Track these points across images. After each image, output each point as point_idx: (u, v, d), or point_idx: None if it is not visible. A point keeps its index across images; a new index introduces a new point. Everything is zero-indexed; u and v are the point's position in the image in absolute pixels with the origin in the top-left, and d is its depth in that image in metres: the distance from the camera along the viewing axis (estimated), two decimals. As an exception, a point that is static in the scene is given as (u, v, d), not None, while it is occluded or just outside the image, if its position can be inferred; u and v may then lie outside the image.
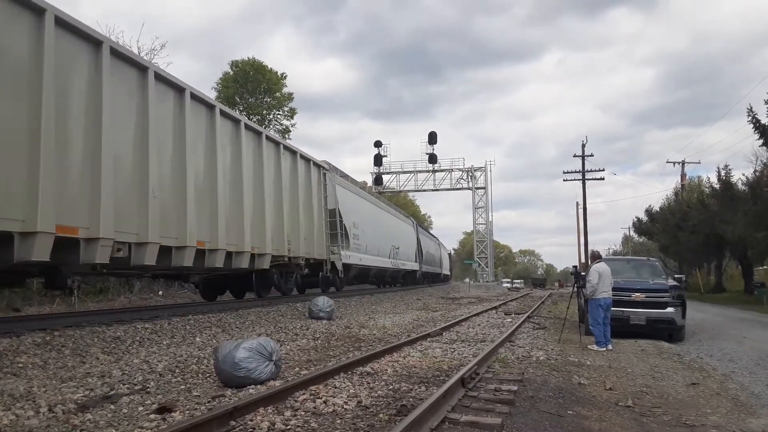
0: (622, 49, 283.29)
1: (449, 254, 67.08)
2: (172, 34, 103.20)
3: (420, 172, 51.17)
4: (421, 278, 39.03)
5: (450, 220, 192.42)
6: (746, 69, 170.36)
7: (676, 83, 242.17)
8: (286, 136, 36.30)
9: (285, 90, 37.73)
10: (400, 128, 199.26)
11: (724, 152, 77.29)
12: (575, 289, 11.99)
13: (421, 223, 53.85)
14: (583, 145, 37.47)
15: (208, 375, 6.19)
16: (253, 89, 36.09)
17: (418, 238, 37.60)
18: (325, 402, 5.01)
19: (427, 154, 50.74)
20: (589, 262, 10.62)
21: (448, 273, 59.73)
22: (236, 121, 12.55)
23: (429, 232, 50.39)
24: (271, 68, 36.93)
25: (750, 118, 22.03)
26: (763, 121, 21.77)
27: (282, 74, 37.37)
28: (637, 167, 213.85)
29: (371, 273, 25.80)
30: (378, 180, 51.28)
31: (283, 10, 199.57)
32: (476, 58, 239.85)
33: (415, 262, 36.32)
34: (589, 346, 9.42)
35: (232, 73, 36.34)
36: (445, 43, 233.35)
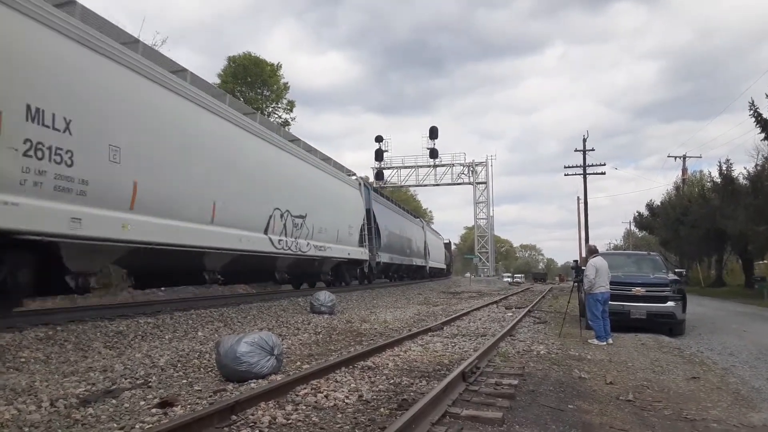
0: (625, 42, 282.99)
1: (446, 244, 55.94)
2: (174, 28, 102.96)
3: (421, 167, 51.13)
4: (375, 272, 25.96)
5: (451, 214, 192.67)
6: (750, 62, 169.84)
7: (679, 77, 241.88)
8: (286, 129, 36.27)
9: (282, 81, 37.67)
10: (401, 122, 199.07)
11: (726, 146, 77.34)
12: (575, 283, 11.99)
13: (422, 217, 53.64)
14: (584, 140, 37.36)
15: (209, 369, 6.20)
16: (252, 83, 36.04)
17: (371, 212, 24.10)
18: (326, 396, 5.03)
19: (428, 149, 50.67)
20: (587, 257, 10.62)
21: (443, 266, 48.87)
22: None
23: (401, 207, 35.03)
24: (268, 61, 36.90)
25: (752, 112, 21.99)
26: (765, 115, 21.72)
27: (277, 64, 37.29)
28: (639, 161, 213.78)
29: (163, 264, 10.72)
30: (379, 175, 51.24)
31: (285, 3, 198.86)
32: (478, 51, 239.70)
33: (360, 246, 22.54)
34: (589, 341, 9.43)
35: (231, 67, 36.29)
36: (447, 36, 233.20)
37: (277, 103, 37.57)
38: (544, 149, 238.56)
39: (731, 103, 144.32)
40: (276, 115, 37.28)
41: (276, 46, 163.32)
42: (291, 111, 38.36)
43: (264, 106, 36.39)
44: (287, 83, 38.04)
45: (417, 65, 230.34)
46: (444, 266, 50.12)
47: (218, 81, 35.51)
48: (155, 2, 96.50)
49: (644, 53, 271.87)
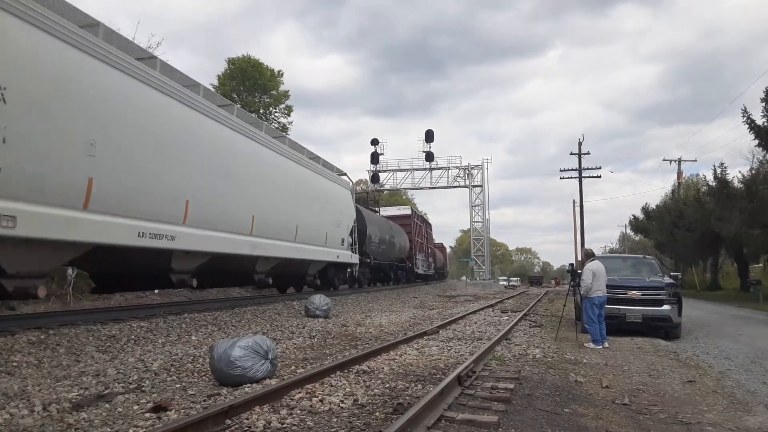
0: (626, 44, 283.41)
1: (400, 217, 33.50)
2: (173, 29, 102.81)
3: (417, 170, 51.07)
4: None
5: (448, 218, 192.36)
6: (752, 64, 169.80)
7: (680, 80, 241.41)
8: (284, 133, 36.35)
9: (282, 88, 37.72)
10: (401, 125, 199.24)
11: (724, 149, 77.69)
12: (571, 286, 11.99)
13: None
14: (580, 143, 37.54)
15: (203, 374, 6.16)
16: (250, 86, 36.01)
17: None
18: (321, 400, 5.00)
19: (423, 152, 50.68)
20: (583, 260, 10.60)
21: (345, 258, 19.81)
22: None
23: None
24: (268, 66, 36.91)
25: (745, 118, 22.10)
26: (758, 122, 21.83)
27: (279, 72, 37.34)
28: (638, 164, 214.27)
29: None
30: (375, 178, 51.16)
31: (285, 4, 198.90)
32: (479, 54, 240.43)
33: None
34: (585, 344, 9.43)
35: (229, 70, 36.26)
36: (448, 38, 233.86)
37: (275, 108, 37.56)
38: (543, 152, 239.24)
39: (727, 106, 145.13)
40: (274, 119, 37.32)
41: (275, 48, 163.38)
42: (289, 115, 38.40)
43: (262, 110, 36.42)
44: (288, 91, 38.09)
45: (417, 67, 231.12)
46: (348, 260, 21.23)
47: (216, 83, 35.57)
48: (154, 3, 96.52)
49: (646, 55, 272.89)
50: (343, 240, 19.08)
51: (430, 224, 43.95)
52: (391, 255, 28.41)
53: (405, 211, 36.56)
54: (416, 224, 35.57)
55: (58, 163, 7.34)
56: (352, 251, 20.27)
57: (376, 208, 31.47)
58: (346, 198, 20.02)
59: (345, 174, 18.60)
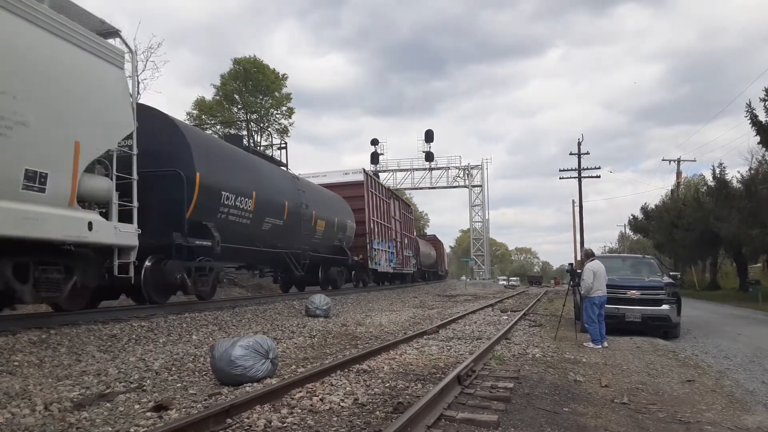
0: (627, 45, 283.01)
1: (369, 191, 23.20)
2: (174, 29, 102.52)
3: (417, 170, 51.13)
4: None
5: (448, 218, 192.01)
6: (754, 64, 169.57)
7: (681, 80, 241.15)
8: (285, 135, 36.46)
9: (284, 90, 37.69)
10: (401, 125, 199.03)
11: (723, 149, 77.83)
12: (571, 286, 12.01)
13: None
14: (579, 143, 37.57)
15: (204, 373, 6.18)
16: (253, 87, 35.98)
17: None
18: (321, 399, 5.02)
19: (423, 152, 50.73)
20: (583, 260, 10.62)
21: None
22: None
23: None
24: (273, 69, 36.88)
25: (747, 114, 22.08)
26: (761, 119, 21.81)
27: (283, 75, 37.34)
28: (638, 164, 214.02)
29: None
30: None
31: (286, 4, 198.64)
32: (480, 53, 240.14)
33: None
34: (584, 344, 9.45)
35: (233, 70, 36.22)
36: (449, 38, 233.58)
37: (276, 109, 37.53)
38: (544, 152, 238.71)
39: (726, 106, 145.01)
40: (275, 121, 37.32)
41: (276, 47, 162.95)
42: (290, 117, 38.38)
43: (264, 112, 36.42)
44: (290, 94, 38.07)
45: (418, 67, 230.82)
46: (73, 235, 7.55)
47: (219, 83, 35.59)
48: (155, 2, 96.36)
49: (648, 55, 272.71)
50: (42, 179, 7.17)
51: (408, 205, 31.02)
52: (306, 238, 16.95)
53: (355, 176, 22.87)
54: (376, 199, 23.79)
55: None
56: (109, 217, 8.59)
57: (281, 159, 18.25)
58: (81, 75, 7.91)
59: (116, 33, 8.99)
